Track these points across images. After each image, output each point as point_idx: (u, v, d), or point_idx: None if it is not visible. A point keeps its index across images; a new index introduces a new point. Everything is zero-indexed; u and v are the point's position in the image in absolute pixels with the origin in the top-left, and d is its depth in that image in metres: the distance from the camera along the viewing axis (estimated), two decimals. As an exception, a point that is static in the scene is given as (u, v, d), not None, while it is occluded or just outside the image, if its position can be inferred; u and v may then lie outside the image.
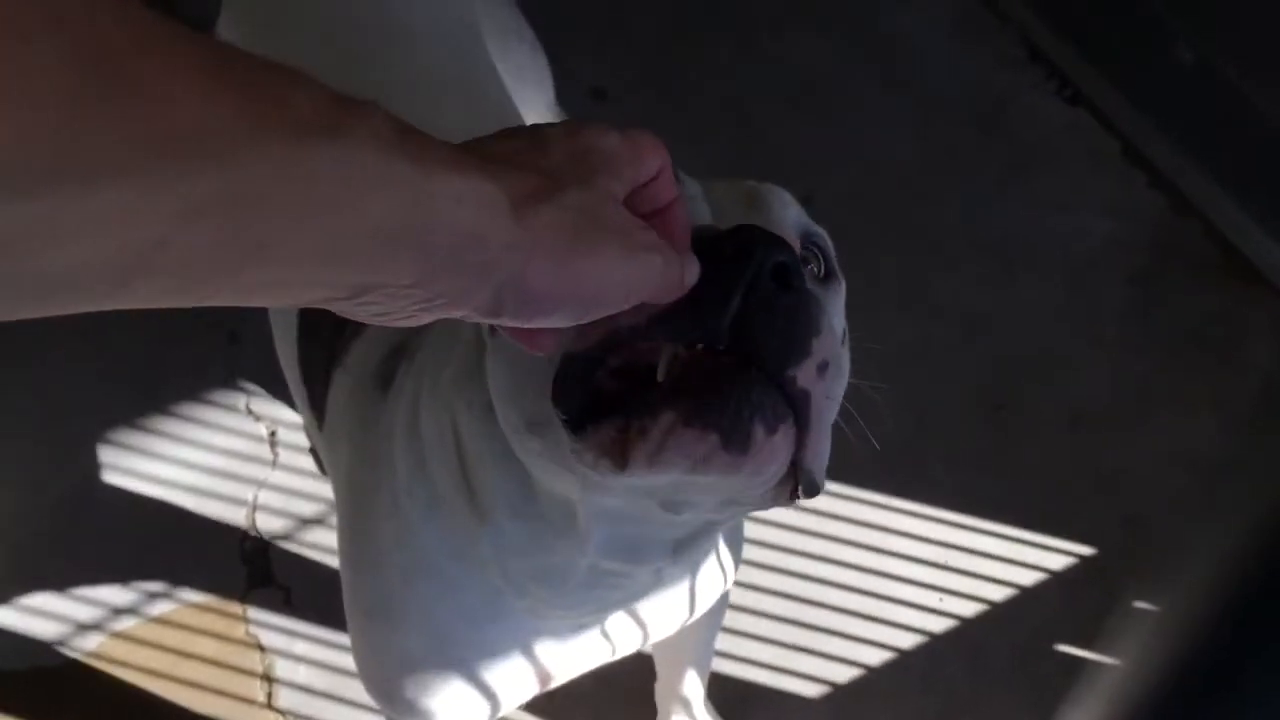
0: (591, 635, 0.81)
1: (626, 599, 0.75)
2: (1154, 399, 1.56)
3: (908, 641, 1.40)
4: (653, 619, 0.83)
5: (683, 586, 0.82)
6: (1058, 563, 1.45)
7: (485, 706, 0.81)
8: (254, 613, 1.39)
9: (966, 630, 1.41)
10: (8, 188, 0.30)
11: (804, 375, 0.52)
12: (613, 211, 0.46)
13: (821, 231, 0.63)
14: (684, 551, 0.67)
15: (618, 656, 0.86)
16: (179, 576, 1.41)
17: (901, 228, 1.68)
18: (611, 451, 0.52)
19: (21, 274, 0.32)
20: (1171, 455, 1.52)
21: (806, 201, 0.66)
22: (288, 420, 1.51)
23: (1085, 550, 1.46)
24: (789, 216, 0.61)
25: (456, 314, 0.43)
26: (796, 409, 0.52)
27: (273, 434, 1.50)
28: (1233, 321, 1.62)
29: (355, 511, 0.81)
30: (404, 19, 1.00)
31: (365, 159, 0.37)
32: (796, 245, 0.60)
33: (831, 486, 1.47)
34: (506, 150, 0.46)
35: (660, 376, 0.51)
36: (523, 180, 0.43)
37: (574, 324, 0.47)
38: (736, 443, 0.51)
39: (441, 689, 0.79)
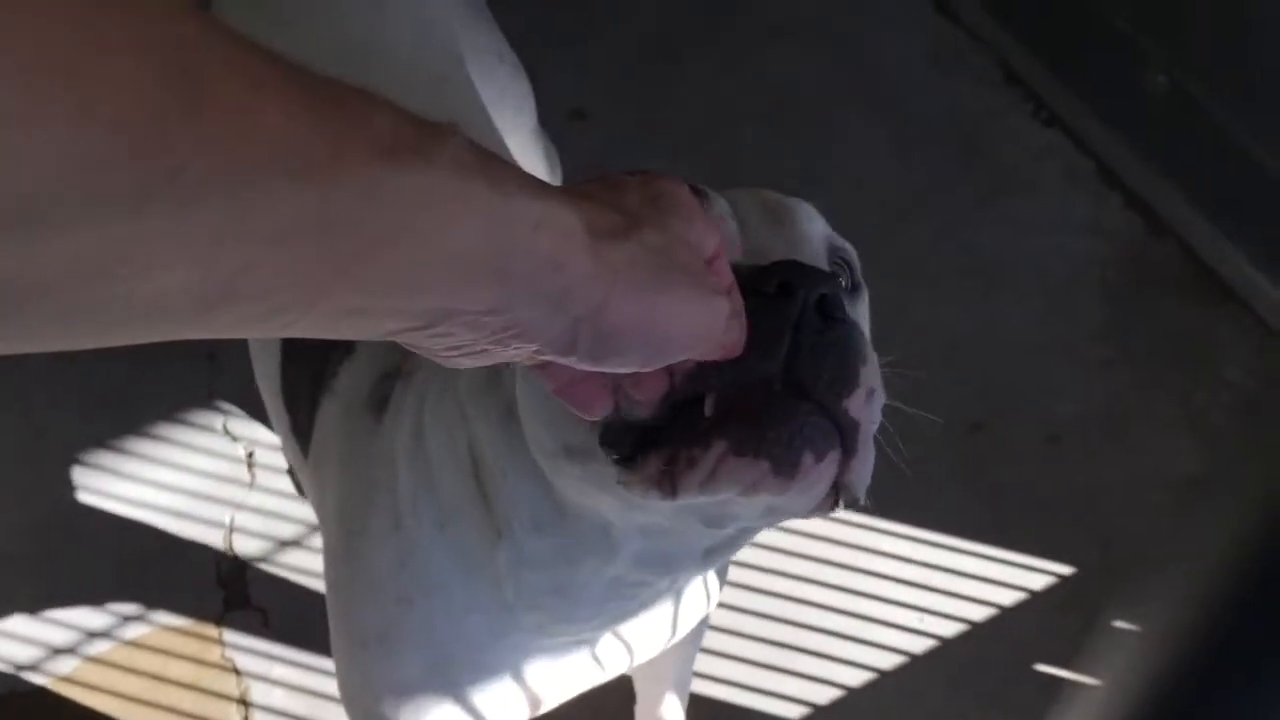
0: (584, 656, 0.80)
1: (638, 609, 0.75)
2: (1130, 417, 1.57)
3: (888, 662, 1.40)
4: (638, 640, 0.83)
5: (668, 607, 0.82)
6: (1037, 582, 1.46)
7: None
8: (230, 636, 1.38)
9: (946, 650, 1.41)
10: (90, 210, 0.29)
11: (855, 405, 0.53)
12: (685, 254, 0.47)
13: (847, 244, 0.63)
14: (713, 558, 0.67)
15: (606, 679, 0.85)
16: (154, 599, 1.40)
17: (880, 248, 1.68)
18: (660, 482, 0.53)
19: (104, 302, 0.31)
20: (1148, 474, 1.53)
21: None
22: (265, 441, 1.50)
23: (1064, 569, 1.46)
24: (815, 231, 0.61)
25: (530, 347, 0.42)
26: (844, 435, 0.54)
27: (250, 455, 1.50)
28: (1208, 339, 1.63)
29: (348, 538, 0.79)
30: (387, 48, 1.00)
31: (447, 182, 0.37)
32: (824, 262, 0.60)
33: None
34: (584, 188, 0.46)
35: (708, 412, 0.52)
36: (601, 214, 0.44)
37: (641, 368, 0.46)
38: (786, 469, 0.52)
39: (433, 712, 0.78)
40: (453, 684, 0.77)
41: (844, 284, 0.61)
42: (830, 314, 0.53)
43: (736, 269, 0.52)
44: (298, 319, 0.35)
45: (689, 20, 1.89)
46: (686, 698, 1.25)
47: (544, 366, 0.49)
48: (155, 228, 0.30)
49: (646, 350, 0.45)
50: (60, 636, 1.37)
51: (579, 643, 0.79)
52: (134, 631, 1.38)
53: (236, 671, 1.36)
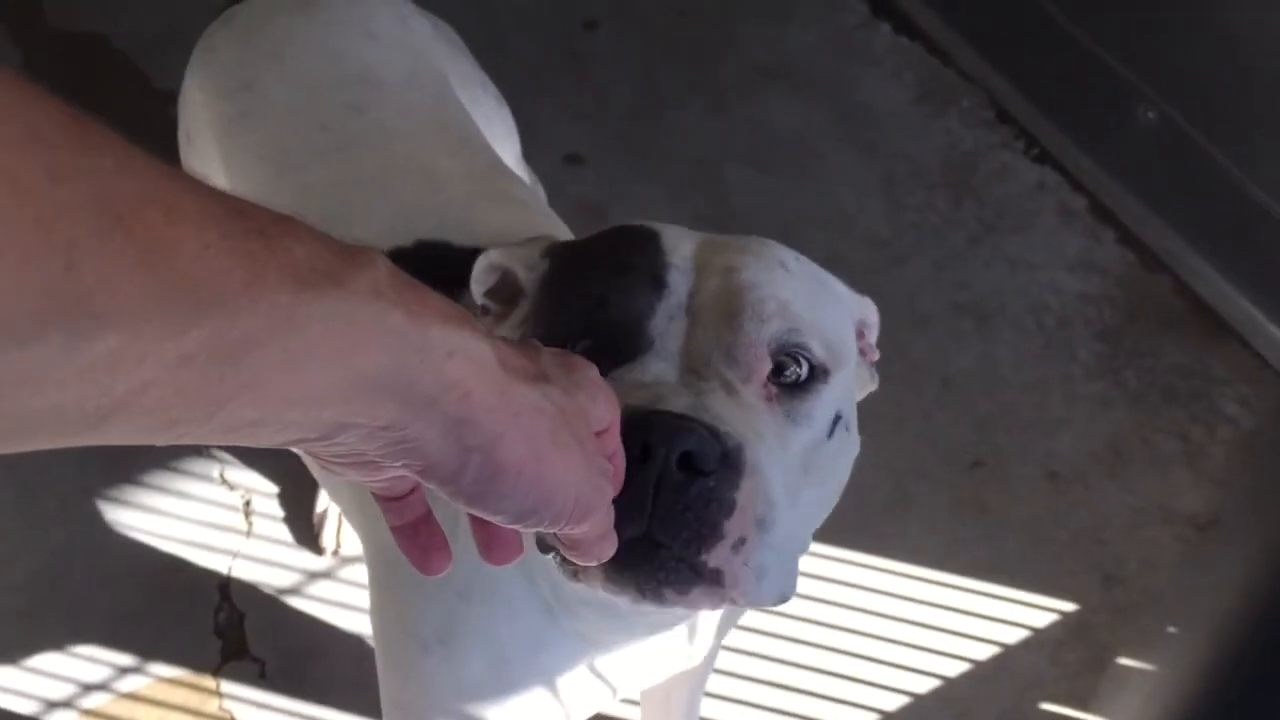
0: (643, 652, 0.82)
1: (668, 624, 0.78)
2: (1128, 454, 1.57)
3: (893, 703, 1.39)
4: (696, 640, 0.85)
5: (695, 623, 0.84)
6: (1041, 620, 1.45)
7: None
8: (228, 686, 1.37)
9: (951, 690, 1.40)
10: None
11: (715, 556, 0.56)
12: (585, 429, 0.48)
13: (805, 341, 0.63)
14: None
15: (662, 678, 0.88)
16: (151, 651, 1.39)
17: (875, 287, 1.67)
18: (569, 572, 0.60)
19: None
20: (1146, 510, 1.52)
21: (780, 265, 0.66)
22: (263, 489, 1.49)
23: (1067, 606, 1.45)
24: (761, 334, 0.62)
25: (416, 465, 0.42)
26: (709, 579, 0.57)
27: (248, 503, 1.49)
28: (1202, 374, 1.63)
29: None
30: (383, 75, 1.03)
31: (361, 311, 0.37)
32: (765, 365, 0.62)
33: (812, 546, 1.46)
34: (503, 337, 0.46)
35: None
36: (514, 357, 0.45)
37: (514, 523, 0.46)
38: (651, 597, 0.58)
39: (497, 713, 0.80)
40: (509, 686, 0.79)
41: (795, 375, 0.63)
42: (695, 468, 0.55)
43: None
44: (192, 430, 0.36)
45: (679, 65, 1.90)
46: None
47: (391, 501, 0.51)
48: (48, 357, 0.30)
49: (526, 502, 0.45)
50: (56, 690, 1.36)
51: (630, 641, 0.81)
52: (131, 684, 1.37)
53: (234, 723, 1.35)
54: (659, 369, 0.61)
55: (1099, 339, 1.66)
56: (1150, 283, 1.71)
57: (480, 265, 0.73)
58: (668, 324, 0.62)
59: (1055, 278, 1.71)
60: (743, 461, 0.57)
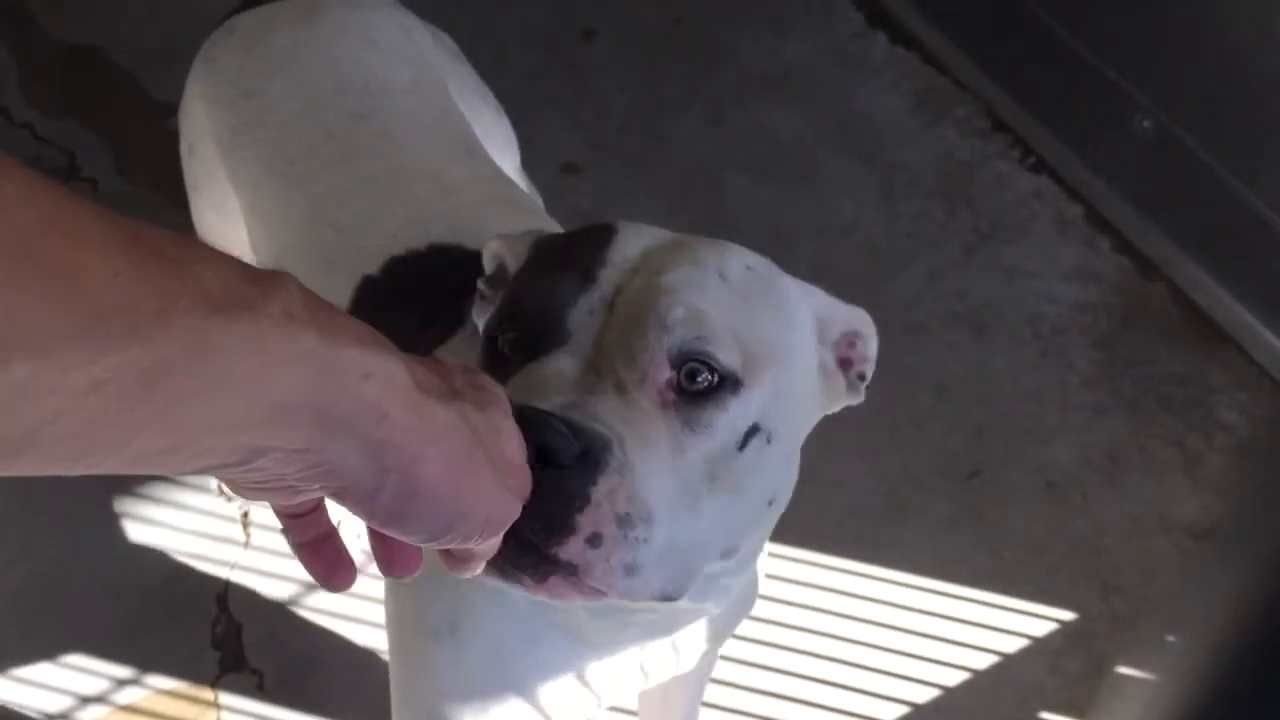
0: (634, 658, 0.83)
1: (667, 627, 0.79)
2: (1125, 462, 1.57)
3: (891, 713, 1.39)
4: (685, 646, 0.86)
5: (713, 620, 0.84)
6: (1039, 629, 1.45)
7: None
8: (226, 698, 1.37)
9: (950, 699, 1.40)
10: None
11: (568, 549, 0.57)
12: (496, 446, 0.49)
13: (711, 350, 0.63)
14: (693, 597, 0.69)
15: (653, 683, 0.88)
16: (149, 662, 1.38)
17: (871, 296, 1.68)
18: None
19: None
20: (1144, 518, 1.52)
21: (716, 272, 0.66)
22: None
23: (1066, 615, 1.45)
24: (664, 341, 0.62)
25: (333, 486, 0.42)
26: (564, 569, 0.57)
27: (245, 514, 1.49)
28: (1199, 382, 1.63)
29: None
30: (386, 85, 1.05)
31: (274, 334, 0.37)
32: (663, 372, 0.62)
33: (807, 555, 1.46)
34: (413, 355, 0.47)
35: None
36: (428, 376, 0.45)
37: (427, 541, 0.47)
38: (513, 580, 0.58)
39: (492, 712, 0.81)
40: (507, 680, 0.81)
41: (705, 381, 0.62)
42: (551, 462, 0.55)
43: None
44: (105, 460, 0.35)
45: (677, 75, 1.91)
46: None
47: (294, 519, 0.51)
48: None
49: (441, 521, 0.45)
50: (53, 702, 1.36)
51: (622, 647, 0.81)
52: (128, 696, 1.36)
53: (232, 734, 1.35)
54: (562, 365, 0.62)
55: (1096, 347, 1.66)
56: (1147, 290, 1.71)
57: (486, 253, 0.76)
58: (587, 317, 0.64)
59: (1051, 286, 1.72)
60: (605, 459, 0.58)
